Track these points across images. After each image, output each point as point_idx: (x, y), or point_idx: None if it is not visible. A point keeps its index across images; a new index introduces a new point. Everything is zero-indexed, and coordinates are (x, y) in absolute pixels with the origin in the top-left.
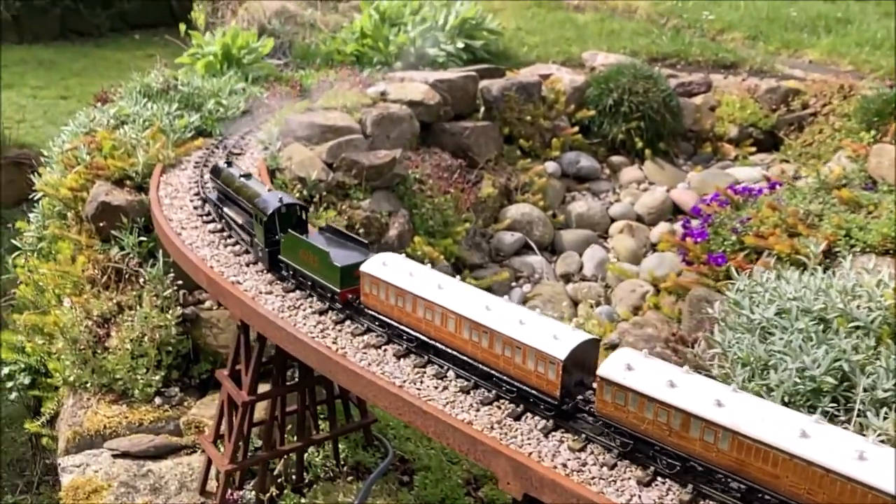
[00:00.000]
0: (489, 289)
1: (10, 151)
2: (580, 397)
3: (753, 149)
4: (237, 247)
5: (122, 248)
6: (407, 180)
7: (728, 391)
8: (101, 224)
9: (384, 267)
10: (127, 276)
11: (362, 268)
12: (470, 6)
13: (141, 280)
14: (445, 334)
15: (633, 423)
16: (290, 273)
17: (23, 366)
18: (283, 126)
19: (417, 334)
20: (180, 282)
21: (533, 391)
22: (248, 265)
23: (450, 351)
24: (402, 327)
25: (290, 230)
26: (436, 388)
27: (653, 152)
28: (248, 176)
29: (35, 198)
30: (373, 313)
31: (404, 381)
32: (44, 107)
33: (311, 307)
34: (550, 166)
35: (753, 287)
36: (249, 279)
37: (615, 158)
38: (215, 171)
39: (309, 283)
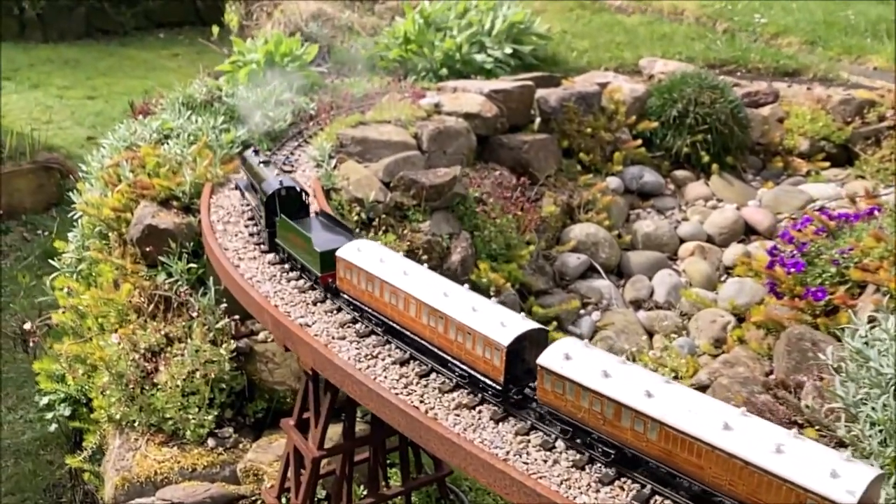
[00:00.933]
0: (557, 318)
1: (39, 155)
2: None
3: (826, 164)
4: (301, 281)
5: (169, 275)
6: (467, 199)
7: (661, 382)
8: (147, 248)
9: (358, 253)
10: (175, 305)
11: (338, 253)
12: (518, 10)
13: (191, 310)
14: (408, 319)
15: (570, 411)
16: (286, 256)
17: (63, 395)
18: (334, 141)
19: (384, 318)
20: (237, 316)
21: (480, 377)
22: (315, 303)
23: (411, 336)
24: (372, 311)
25: (283, 214)
26: (545, 461)
27: (720, 167)
28: (266, 163)
29: (74, 216)
30: (347, 297)
31: (508, 453)
32: (71, 107)
33: (390, 356)
34: (613, 182)
35: (876, 334)
36: (318, 321)
37: (679, 173)
38: (243, 160)
39: (299, 265)
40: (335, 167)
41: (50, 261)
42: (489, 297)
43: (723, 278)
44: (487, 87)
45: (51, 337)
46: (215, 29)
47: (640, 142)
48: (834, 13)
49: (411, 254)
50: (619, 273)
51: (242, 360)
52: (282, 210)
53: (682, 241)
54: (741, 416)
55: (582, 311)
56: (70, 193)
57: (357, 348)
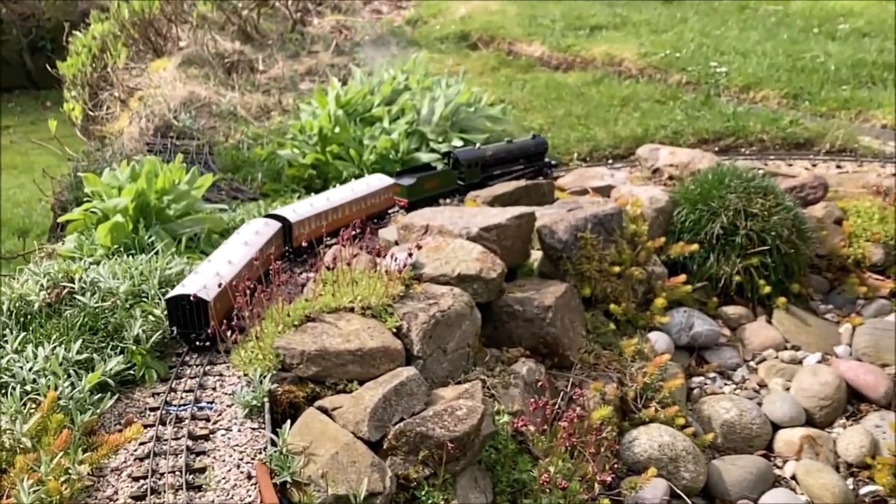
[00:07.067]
0: None
1: None
2: None
3: None
4: None
5: None
6: (498, 437)
7: None
8: None
9: None
10: None
11: None
12: (462, 89)
13: None
14: None
15: None
16: None
17: None
18: (272, 361)
19: None
20: None
21: None
22: None
23: None
24: None
25: None
26: None
27: (785, 298)
28: None
29: None
30: None
31: None
32: None
33: None
34: (658, 340)
35: None
36: None
37: (730, 309)
38: None
39: None
40: (287, 428)
41: None
42: None
43: (849, 480)
44: (476, 226)
45: None
46: (52, 124)
47: (683, 277)
48: (797, 56)
49: None
50: (707, 494)
51: None
52: None
53: (774, 425)
54: None
55: None
56: None
57: None
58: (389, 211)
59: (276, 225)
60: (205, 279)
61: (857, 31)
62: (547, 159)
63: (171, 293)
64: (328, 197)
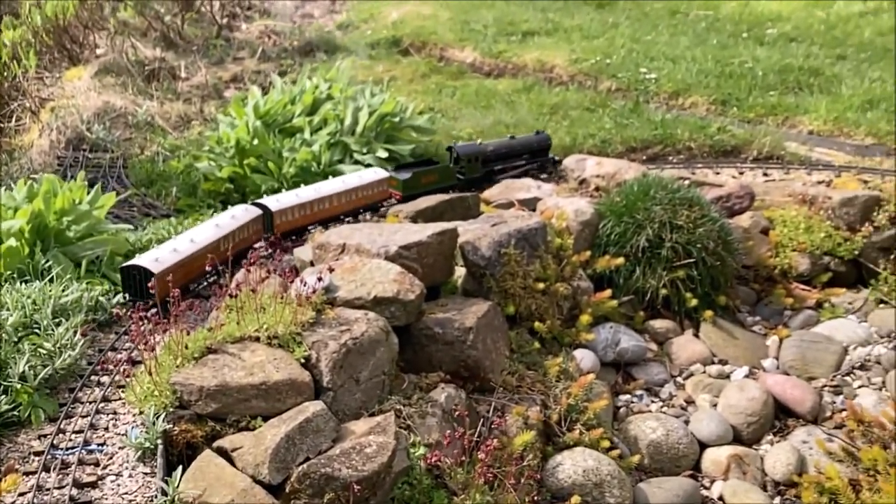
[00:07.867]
0: None
1: None
2: None
3: (842, 290)
4: None
5: None
6: (412, 471)
7: None
8: None
9: None
10: None
11: None
12: (387, 98)
13: None
14: None
15: None
16: None
17: None
18: (168, 398)
19: None
20: None
21: None
22: None
23: None
24: None
25: None
26: None
27: (713, 310)
28: None
29: None
30: None
31: None
32: None
33: None
34: (583, 358)
35: None
36: None
37: (657, 323)
38: None
39: None
40: (182, 474)
41: None
42: None
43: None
44: (395, 245)
45: None
46: None
47: (609, 292)
48: (726, 61)
49: None
50: None
51: None
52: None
53: (701, 444)
54: None
55: None
56: None
57: None
58: (384, 204)
59: (256, 212)
60: (159, 253)
61: (785, 36)
62: (551, 155)
63: (126, 263)
64: (316, 188)
